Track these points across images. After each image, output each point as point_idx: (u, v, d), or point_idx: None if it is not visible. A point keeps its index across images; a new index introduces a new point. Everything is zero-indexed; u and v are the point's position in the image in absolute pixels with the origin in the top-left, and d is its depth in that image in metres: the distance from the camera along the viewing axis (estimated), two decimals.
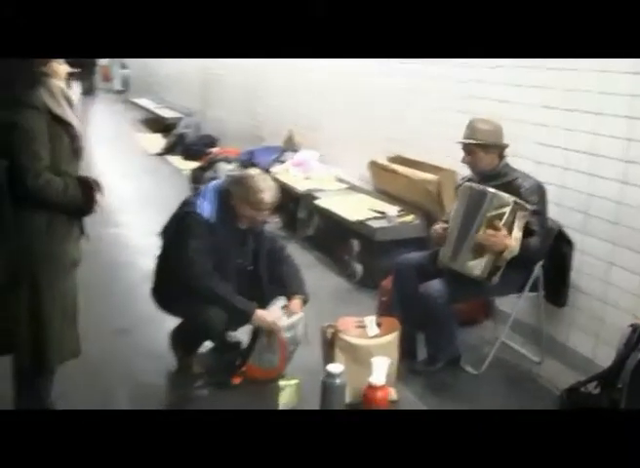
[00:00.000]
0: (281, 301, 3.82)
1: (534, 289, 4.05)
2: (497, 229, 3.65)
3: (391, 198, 5.94)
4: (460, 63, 5.02)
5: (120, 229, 6.08)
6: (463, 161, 4.01)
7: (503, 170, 3.94)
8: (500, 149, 3.94)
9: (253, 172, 3.87)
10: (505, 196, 3.68)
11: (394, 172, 5.75)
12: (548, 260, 4.01)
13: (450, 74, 5.22)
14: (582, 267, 4.07)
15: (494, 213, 3.67)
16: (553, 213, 4.04)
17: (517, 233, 3.71)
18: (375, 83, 6.39)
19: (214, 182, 3.87)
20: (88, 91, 25.09)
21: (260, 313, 3.67)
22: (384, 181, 6.07)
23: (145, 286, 3.86)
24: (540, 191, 3.87)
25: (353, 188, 6.63)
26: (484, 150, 3.89)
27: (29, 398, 3.12)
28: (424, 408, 3.65)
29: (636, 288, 3.74)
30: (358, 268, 5.49)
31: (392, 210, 5.55)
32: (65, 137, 2.92)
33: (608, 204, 3.87)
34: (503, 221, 3.65)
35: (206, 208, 3.67)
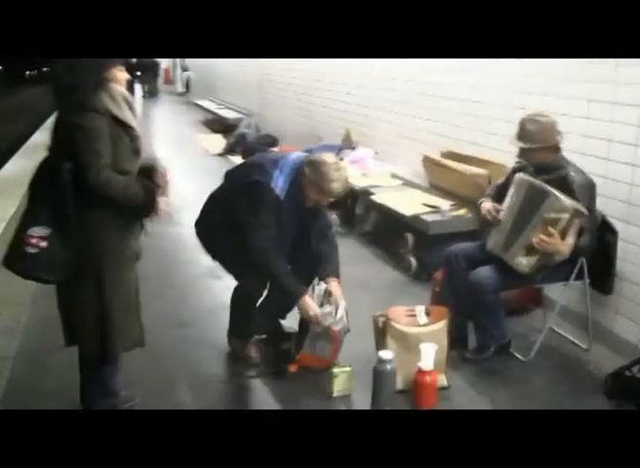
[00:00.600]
0: (322, 287, 3.98)
1: (579, 277, 4.16)
2: (551, 234, 3.77)
3: (444, 193, 6.09)
4: (507, 60, 5.16)
5: (181, 228, 6.38)
6: (518, 156, 4.12)
7: (559, 163, 4.01)
8: (556, 143, 4.00)
9: (330, 159, 3.92)
10: (567, 202, 3.77)
11: (446, 167, 5.92)
12: (594, 249, 4.13)
13: (496, 70, 5.37)
14: (627, 255, 4.19)
15: (552, 216, 3.78)
16: (597, 203, 4.15)
17: (570, 239, 3.85)
18: (427, 81, 6.56)
19: (293, 156, 3.99)
20: (152, 93, 25.79)
21: (304, 301, 3.82)
22: (437, 176, 6.24)
23: (204, 282, 4.04)
24: (591, 188, 3.96)
25: (408, 184, 6.79)
26: (535, 150, 3.97)
27: (95, 386, 3.39)
28: (475, 394, 3.83)
29: None
30: (413, 261, 5.67)
31: (445, 204, 5.71)
32: (126, 138, 3.10)
33: None
34: (560, 227, 3.79)
35: (280, 183, 3.81)
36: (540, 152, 3.97)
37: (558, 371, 4.14)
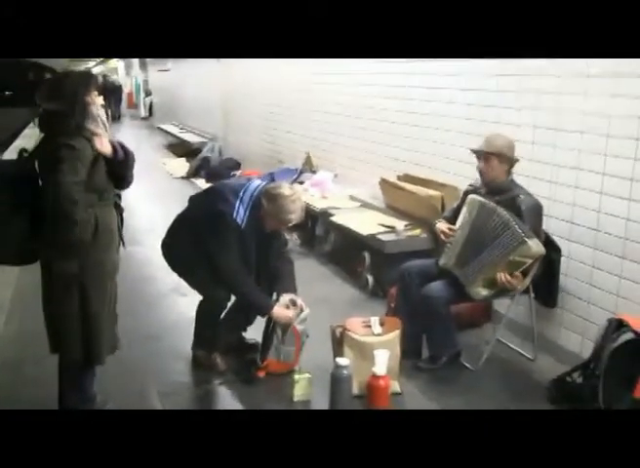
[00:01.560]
0: (289, 297, 4.25)
1: (525, 291, 4.44)
2: (516, 277, 4.07)
3: (400, 213, 6.35)
4: (466, 88, 5.48)
5: (147, 248, 6.58)
6: (477, 168, 4.36)
7: (509, 185, 4.31)
8: (511, 163, 4.29)
9: (286, 191, 4.13)
10: (534, 248, 4.02)
11: (402, 189, 6.20)
12: (539, 266, 4.41)
13: (454, 97, 5.67)
14: (569, 271, 4.48)
15: (517, 258, 4.04)
16: (543, 222, 4.42)
17: (528, 279, 4.17)
18: (385, 107, 6.85)
19: (252, 186, 4.19)
20: (115, 117, 25.98)
21: (277, 310, 4.14)
22: (394, 198, 6.51)
23: (170, 298, 4.26)
24: (538, 211, 4.25)
25: (366, 206, 7.05)
26: (498, 159, 4.23)
27: (75, 392, 3.58)
28: (426, 400, 4.06)
29: (615, 288, 4.14)
30: (370, 279, 5.91)
31: (400, 224, 5.96)
32: (101, 158, 3.36)
33: (590, 213, 4.28)
34: (522, 268, 4.07)
35: (240, 213, 4.06)
36: (500, 166, 4.26)
37: (505, 380, 4.39)
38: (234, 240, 4.06)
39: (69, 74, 3.69)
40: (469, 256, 4.26)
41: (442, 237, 4.48)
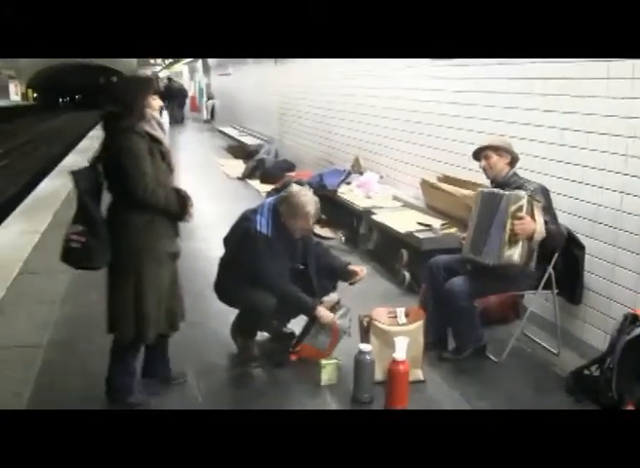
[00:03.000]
0: (334, 296, 4.54)
1: (548, 287, 4.61)
2: (522, 218, 4.20)
3: (439, 213, 6.56)
4: (495, 93, 5.66)
5: (202, 243, 6.96)
6: (481, 167, 4.62)
7: (512, 178, 4.54)
8: (510, 156, 4.53)
9: (294, 189, 4.48)
10: (519, 192, 4.26)
11: (440, 189, 6.41)
12: (563, 262, 4.57)
13: (488, 101, 5.86)
14: (593, 269, 4.62)
15: (514, 207, 4.22)
16: (567, 220, 4.65)
17: (539, 218, 4.26)
18: (428, 111, 7.06)
19: (267, 201, 4.53)
20: (179, 120, 26.63)
21: (321, 310, 4.41)
22: (433, 198, 6.71)
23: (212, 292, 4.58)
24: (544, 191, 4.44)
25: (407, 205, 7.28)
26: (497, 153, 4.51)
27: (122, 369, 3.95)
28: (448, 388, 4.26)
29: (634, 284, 4.28)
30: (407, 275, 6.12)
31: (437, 223, 6.16)
32: (159, 154, 3.75)
33: (611, 212, 4.43)
34: (524, 211, 4.22)
35: (263, 224, 4.35)
36: (500, 160, 4.52)
37: (527, 372, 4.55)
38: (266, 249, 4.30)
39: (129, 78, 4.15)
40: (482, 238, 4.42)
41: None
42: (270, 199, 4.56)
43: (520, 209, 4.23)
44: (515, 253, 4.28)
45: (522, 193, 4.25)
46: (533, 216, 4.24)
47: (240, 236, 4.43)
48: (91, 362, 4.39)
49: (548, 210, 4.37)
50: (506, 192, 4.30)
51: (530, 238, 4.25)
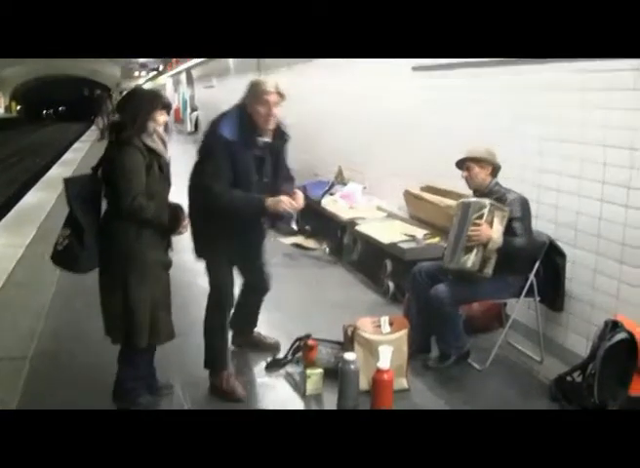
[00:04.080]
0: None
1: (530, 294, 4.65)
2: (478, 225, 4.33)
3: (422, 223, 6.61)
4: (476, 103, 5.73)
5: (186, 255, 6.92)
6: (463, 177, 4.67)
7: (494, 187, 4.59)
8: (492, 166, 4.58)
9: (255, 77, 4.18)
10: (483, 200, 4.37)
11: (423, 199, 6.46)
12: (545, 270, 4.63)
13: (467, 111, 5.92)
14: (575, 276, 4.67)
15: (476, 214, 4.35)
16: (550, 229, 4.72)
17: (497, 226, 4.36)
18: (412, 122, 7.10)
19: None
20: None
21: (271, 199, 4.01)
22: (416, 208, 6.76)
23: (202, 302, 4.58)
24: (522, 202, 4.49)
25: (391, 216, 7.33)
26: (478, 165, 4.56)
27: (127, 370, 4.00)
28: (433, 396, 4.29)
29: (614, 291, 4.33)
30: (391, 285, 6.15)
31: (420, 233, 6.21)
32: (158, 167, 3.83)
33: (591, 220, 4.49)
34: (484, 219, 4.33)
35: (226, 127, 4.03)
36: (481, 171, 4.57)
37: (511, 380, 4.58)
38: (225, 159, 3.99)
39: (137, 92, 4.30)
40: (453, 246, 4.53)
41: None
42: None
43: (481, 216, 4.33)
44: (469, 260, 4.38)
45: (485, 201, 4.36)
46: (491, 225, 4.33)
47: (202, 146, 4.19)
48: (77, 373, 4.41)
49: (522, 221, 4.42)
50: (472, 200, 4.43)
51: (484, 245, 4.34)
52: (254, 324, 4.92)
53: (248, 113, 4.09)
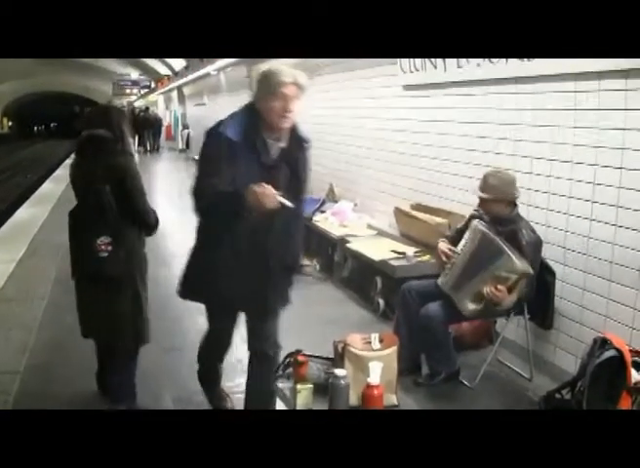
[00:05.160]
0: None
1: (520, 312, 4.68)
2: (500, 290, 4.28)
3: (412, 241, 6.64)
4: (468, 122, 5.78)
5: (172, 270, 6.96)
6: (479, 206, 4.61)
7: (513, 218, 4.50)
8: (511, 200, 4.50)
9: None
10: (518, 265, 4.23)
11: (413, 217, 6.50)
12: (534, 288, 4.65)
13: (459, 130, 5.97)
14: (564, 294, 4.71)
15: (503, 274, 4.28)
16: None
17: (515, 295, 4.37)
18: (402, 141, 7.18)
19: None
20: (155, 148, 26.80)
21: (253, 188, 3.11)
22: (406, 226, 6.80)
23: (193, 316, 4.58)
24: (538, 246, 4.46)
25: (382, 233, 7.36)
26: (494, 202, 4.47)
27: (120, 375, 4.10)
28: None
29: (603, 309, 4.36)
30: (381, 302, 6.17)
31: (411, 251, 6.23)
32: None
33: (580, 239, 4.53)
34: (508, 284, 4.30)
35: (231, 126, 3.32)
36: (498, 204, 4.48)
37: (500, 396, 4.61)
38: (220, 161, 3.25)
39: (111, 107, 4.50)
40: (464, 281, 4.49)
41: (443, 257, 4.72)
42: None
43: (506, 279, 4.29)
44: (472, 308, 4.44)
45: (520, 267, 4.25)
46: (510, 290, 4.32)
47: (202, 145, 3.43)
48: (68, 386, 4.43)
49: (532, 264, 4.35)
50: (508, 252, 4.26)
51: (493, 304, 4.36)
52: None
53: (258, 110, 3.34)
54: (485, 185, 4.48)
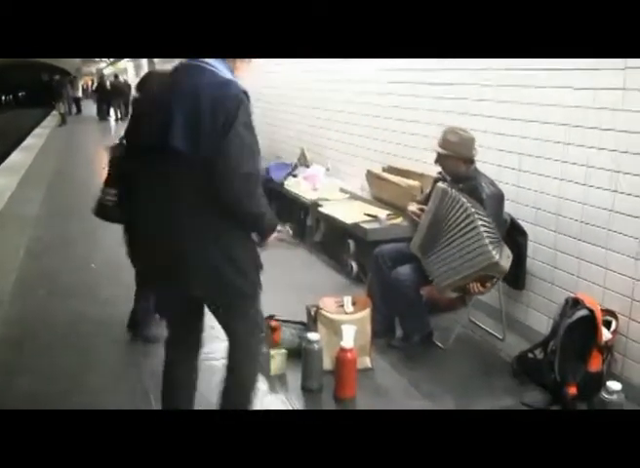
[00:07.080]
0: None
1: None
2: (486, 287, 4.43)
3: (384, 204, 6.62)
4: (435, 84, 5.74)
5: None
6: (435, 163, 4.56)
7: (472, 174, 4.46)
8: (468, 158, 4.44)
9: None
10: (505, 267, 4.20)
11: (385, 180, 6.47)
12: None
13: (428, 92, 5.93)
14: (536, 255, 4.72)
15: (489, 273, 4.27)
16: (510, 208, 4.71)
17: (487, 288, 4.49)
18: (373, 103, 7.12)
19: None
20: (125, 115, 26.68)
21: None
22: (378, 189, 6.77)
23: None
24: (500, 199, 4.42)
25: (354, 197, 7.34)
26: (451, 158, 4.43)
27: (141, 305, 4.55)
28: (396, 374, 4.31)
29: (575, 269, 4.38)
30: (354, 265, 6.16)
31: (383, 213, 6.21)
32: None
33: (551, 199, 4.53)
34: (494, 282, 4.49)
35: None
36: (456, 161, 4.43)
37: (474, 357, 4.64)
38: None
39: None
40: (430, 242, 4.45)
41: (414, 217, 4.71)
42: None
43: (492, 277, 4.40)
44: (453, 295, 4.57)
45: (505, 268, 4.23)
46: (485, 283, 4.40)
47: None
48: (38, 359, 4.36)
49: (496, 218, 4.30)
50: (493, 253, 4.09)
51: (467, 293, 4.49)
52: None
53: None
54: (443, 142, 4.43)
